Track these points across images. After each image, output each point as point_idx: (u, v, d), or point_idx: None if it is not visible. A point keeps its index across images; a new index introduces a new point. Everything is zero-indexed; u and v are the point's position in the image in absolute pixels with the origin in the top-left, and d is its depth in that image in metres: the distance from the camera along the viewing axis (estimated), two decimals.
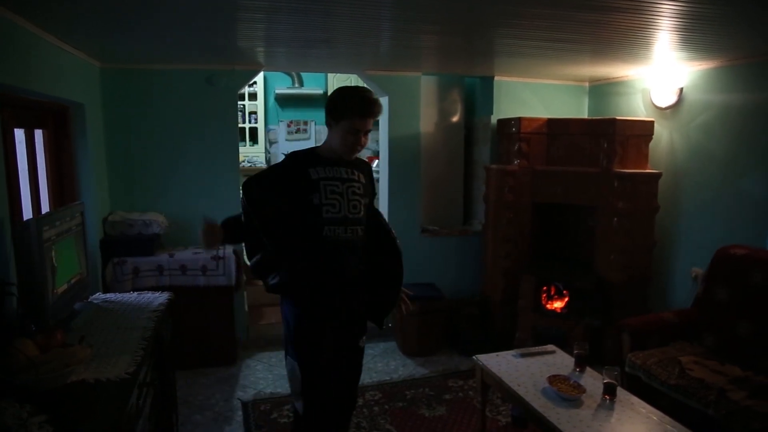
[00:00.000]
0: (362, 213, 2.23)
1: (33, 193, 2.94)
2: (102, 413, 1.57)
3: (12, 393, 1.53)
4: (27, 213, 2.78)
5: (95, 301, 2.59)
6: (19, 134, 2.83)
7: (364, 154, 3.41)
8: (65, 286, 2.20)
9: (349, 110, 2.09)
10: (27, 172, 2.89)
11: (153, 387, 2.18)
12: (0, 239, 2.17)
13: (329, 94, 2.17)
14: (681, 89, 3.88)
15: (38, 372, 1.57)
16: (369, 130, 2.16)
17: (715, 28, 2.67)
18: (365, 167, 2.35)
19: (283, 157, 2.22)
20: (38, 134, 3.11)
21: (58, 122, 3.31)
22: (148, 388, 2.06)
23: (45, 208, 3.10)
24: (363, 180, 2.27)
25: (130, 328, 2.21)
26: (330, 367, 2.20)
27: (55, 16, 2.48)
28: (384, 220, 2.44)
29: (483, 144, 4.81)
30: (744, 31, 2.78)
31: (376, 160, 5.52)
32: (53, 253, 2.07)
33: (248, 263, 2.30)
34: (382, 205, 4.62)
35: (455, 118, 4.90)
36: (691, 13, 2.37)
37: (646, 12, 2.39)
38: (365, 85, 2.68)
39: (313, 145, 2.40)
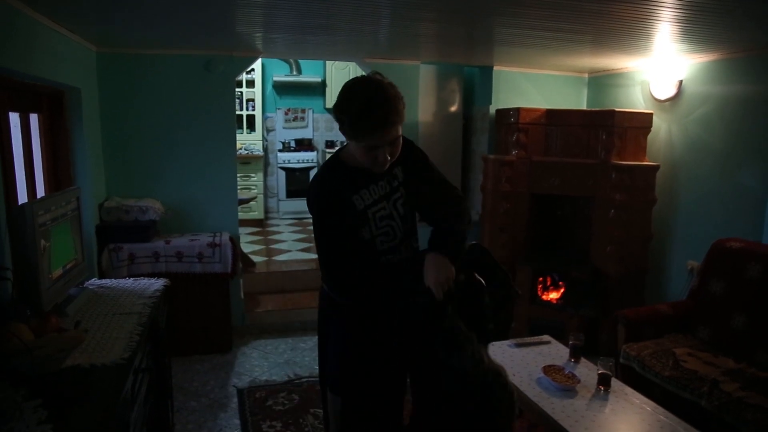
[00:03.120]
0: (412, 222, 1.90)
1: (28, 178, 2.92)
2: (97, 398, 1.57)
3: (6, 377, 1.53)
4: (22, 197, 2.75)
5: (91, 287, 2.57)
6: (14, 118, 2.81)
7: None
8: (60, 271, 2.19)
9: (357, 128, 1.60)
10: (22, 156, 2.87)
11: (148, 373, 2.17)
12: None
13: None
14: (680, 82, 3.87)
15: (33, 356, 1.57)
16: (395, 139, 1.66)
17: (716, 19, 2.65)
18: (402, 155, 1.79)
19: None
20: (34, 118, 3.08)
21: (53, 106, 3.28)
22: (144, 374, 2.05)
23: (40, 192, 3.08)
24: (401, 177, 1.85)
25: (125, 313, 2.20)
26: None
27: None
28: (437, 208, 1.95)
29: (481, 134, 4.80)
30: (744, 24, 2.77)
31: None
32: (48, 238, 2.06)
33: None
34: None
35: (454, 108, 4.88)
36: (693, 4, 2.36)
37: (647, 2, 2.37)
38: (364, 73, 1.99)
39: (334, 151, 1.88)
